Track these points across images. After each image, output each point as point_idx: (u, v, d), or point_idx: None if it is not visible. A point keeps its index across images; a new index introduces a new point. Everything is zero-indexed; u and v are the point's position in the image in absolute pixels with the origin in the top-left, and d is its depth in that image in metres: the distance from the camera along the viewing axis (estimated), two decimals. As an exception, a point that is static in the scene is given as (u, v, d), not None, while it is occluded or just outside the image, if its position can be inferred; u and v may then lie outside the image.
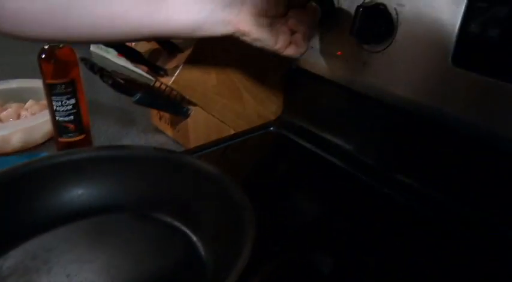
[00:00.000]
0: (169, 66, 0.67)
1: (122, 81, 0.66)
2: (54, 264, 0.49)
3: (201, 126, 0.72)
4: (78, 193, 0.57)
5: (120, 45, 0.66)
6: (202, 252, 0.49)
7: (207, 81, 0.69)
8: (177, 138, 0.75)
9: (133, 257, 0.50)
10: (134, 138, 0.78)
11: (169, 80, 0.66)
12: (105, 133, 0.80)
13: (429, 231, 0.55)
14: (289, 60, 0.74)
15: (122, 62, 1.07)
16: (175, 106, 0.70)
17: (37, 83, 0.87)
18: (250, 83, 0.74)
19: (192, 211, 0.53)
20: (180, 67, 0.66)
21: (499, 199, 0.53)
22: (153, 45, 0.70)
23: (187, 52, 0.66)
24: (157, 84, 0.77)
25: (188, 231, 0.52)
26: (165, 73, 0.67)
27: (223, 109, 0.73)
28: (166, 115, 0.76)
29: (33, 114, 0.79)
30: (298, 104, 0.76)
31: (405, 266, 0.50)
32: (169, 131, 0.77)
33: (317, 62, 0.68)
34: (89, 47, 1.19)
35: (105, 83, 0.65)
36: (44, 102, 0.84)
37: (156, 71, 0.67)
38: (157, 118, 0.79)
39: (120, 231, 0.54)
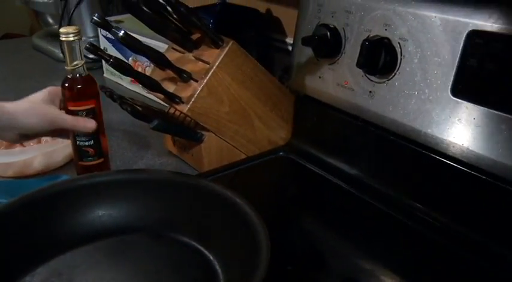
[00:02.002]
0: (185, 94, 0.71)
1: (140, 108, 0.70)
2: (77, 281, 0.53)
3: (214, 151, 0.75)
4: (99, 214, 0.60)
5: (138, 73, 0.70)
6: (219, 271, 0.52)
7: (220, 108, 0.73)
8: (191, 162, 0.79)
9: (152, 276, 0.53)
10: (149, 162, 0.82)
11: (184, 108, 0.70)
12: (122, 157, 0.84)
13: (432, 251, 0.58)
14: (297, 90, 0.78)
15: (136, 88, 1.11)
16: (190, 132, 0.73)
17: (56, 109, 0.91)
18: (261, 110, 0.78)
19: (208, 232, 0.56)
20: (195, 96, 0.70)
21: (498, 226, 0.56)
22: (168, 74, 0.74)
23: (201, 81, 0.70)
24: (172, 110, 0.81)
25: (205, 251, 0.55)
26: (180, 101, 0.71)
27: (235, 135, 0.76)
28: (180, 140, 0.79)
29: (53, 139, 0.83)
30: (307, 130, 0.80)
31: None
32: (183, 156, 0.81)
33: (325, 91, 0.72)
34: (103, 73, 1.24)
35: (125, 110, 0.69)
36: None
37: (172, 98, 0.71)
38: (171, 143, 0.82)
39: (139, 250, 0.57)
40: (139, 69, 1.07)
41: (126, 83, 1.14)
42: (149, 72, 1.03)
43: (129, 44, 0.67)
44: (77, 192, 0.60)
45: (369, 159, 0.70)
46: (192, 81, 0.72)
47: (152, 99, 1.04)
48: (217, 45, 0.72)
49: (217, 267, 0.53)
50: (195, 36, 0.75)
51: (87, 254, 0.56)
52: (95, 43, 0.73)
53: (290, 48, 0.98)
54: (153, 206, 0.60)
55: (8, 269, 0.52)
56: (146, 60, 1.01)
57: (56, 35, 1.36)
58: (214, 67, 0.70)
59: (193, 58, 0.75)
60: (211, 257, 0.54)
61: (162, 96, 0.73)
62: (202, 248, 0.55)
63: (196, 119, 0.71)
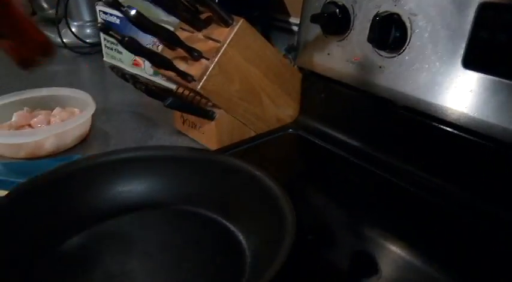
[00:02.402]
0: (196, 72, 0.72)
1: (153, 87, 0.71)
2: (105, 255, 0.54)
3: (225, 129, 0.77)
4: (119, 190, 0.61)
5: (151, 52, 0.70)
6: (243, 243, 0.54)
7: (230, 86, 0.74)
8: (201, 140, 0.80)
9: (178, 249, 0.55)
10: (159, 141, 0.83)
11: (196, 85, 0.71)
12: (132, 137, 0.84)
13: (442, 219, 0.61)
14: (304, 67, 0.80)
15: (137, 70, 1.11)
16: (202, 110, 0.74)
17: (62, 92, 0.92)
18: (270, 88, 0.79)
19: (230, 205, 0.57)
20: (207, 74, 0.71)
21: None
22: (178, 53, 0.75)
23: (212, 59, 0.71)
24: (180, 90, 0.82)
25: (228, 224, 0.56)
26: (192, 79, 0.72)
27: (245, 112, 0.78)
28: (191, 119, 0.80)
29: (62, 120, 0.83)
30: (314, 107, 0.81)
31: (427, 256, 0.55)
32: (192, 134, 0.82)
33: (333, 68, 0.74)
34: (103, 57, 1.24)
35: (139, 89, 0.70)
36: (71, 109, 0.88)
37: (184, 77, 0.72)
38: (181, 122, 0.83)
39: (162, 225, 0.59)
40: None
41: (128, 66, 1.14)
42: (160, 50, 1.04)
43: (142, 23, 0.67)
44: (96, 170, 0.61)
45: (378, 133, 0.72)
46: (203, 59, 0.73)
47: (154, 82, 1.05)
48: (227, 23, 0.73)
49: (241, 238, 0.54)
50: (204, 15, 0.76)
51: (111, 228, 0.58)
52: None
53: (293, 27, 0.99)
54: (174, 182, 0.61)
55: (35, 247, 0.53)
56: (149, 42, 1.01)
57: (51, 21, 1.35)
58: (225, 45, 0.71)
59: (202, 37, 0.75)
60: (235, 230, 0.55)
61: (172, 74, 0.74)
62: (226, 222, 0.57)
63: (208, 97, 0.73)
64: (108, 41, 1.18)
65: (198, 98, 0.78)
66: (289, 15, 1.00)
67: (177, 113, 0.84)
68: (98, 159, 0.62)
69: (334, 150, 0.76)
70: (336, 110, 0.78)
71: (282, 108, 0.82)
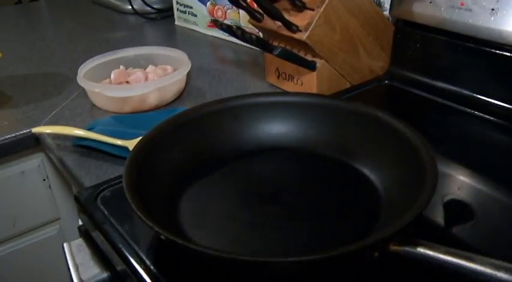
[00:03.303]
0: (301, 23, 0.74)
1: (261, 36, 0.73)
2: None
3: (325, 79, 0.79)
4: (259, 131, 0.63)
5: (259, 1, 0.72)
6: (381, 191, 0.54)
7: (333, 37, 0.76)
8: (299, 91, 0.82)
9: (315, 190, 0.57)
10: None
11: (302, 35, 0.73)
12: (226, 91, 0.87)
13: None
14: (401, 17, 0.81)
15: (213, 32, 1.13)
16: (306, 60, 0.76)
17: (150, 50, 0.94)
18: (366, 39, 0.80)
19: (367, 152, 0.58)
20: (313, 23, 0.72)
21: None
22: (280, 4, 0.76)
23: (318, 9, 0.73)
24: (275, 43, 0.84)
25: (361, 167, 0.58)
26: (297, 29, 0.73)
27: (343, 63, 0.79)
28: (287, 71, 0.82)
29: (159, 76, 0.86)
30: (408, 57, 0.82)
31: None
32: (288, 86, 0.84)
33: (436, 15, 0.75)
34: (174, 21, 1.26)
35: (247, 40, 0.72)
36: (164, 66, 0.91)
37: (289, 27, 0.73)
38: (275, 75, 0.85)
39: (294, 167, 0.61)
40: (220, 13, 1.09)
41: (202, 28, 1.16)
42: (230, 15, 1.06)
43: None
44: (217, 115, 0.63)
45: (480, 78, 0.73)
46: (306, 10, 0.74)
47: (233, 42, 1.07)
48: (331, -27, 0.74)
49: (376, 182, 0.55)
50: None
51: (248, 166, 0.60)
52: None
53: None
54: (309, 127, 0.62)
55: (182, 180, 0.56)
56: (227, 2, 1.03)
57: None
58: (330, -5, 0.73)
59: (304, -12, 0.77)
60: (368, 174, 0.57)
61: (275, 26, 0.75)
62: (362, 168, 0.58)
63: (313, 47, 0.74)
64: (181, 5, 1.20)
65: (295, 50, 0.79)
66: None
67: (271, 67, 0.86)
68: (241, 101, 0.64)
69: (431, 98, 0.77)
70: (432, 59, 0.79)
71: (375, 60, 0.84)
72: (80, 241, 0.58)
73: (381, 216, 0.51)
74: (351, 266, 0.44)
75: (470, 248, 0.50)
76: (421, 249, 0.40)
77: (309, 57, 0.78)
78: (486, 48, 0.70)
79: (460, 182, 0.60)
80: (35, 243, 0.89)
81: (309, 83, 0.79)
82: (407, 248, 0.41)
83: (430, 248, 0.40)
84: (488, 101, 0.71)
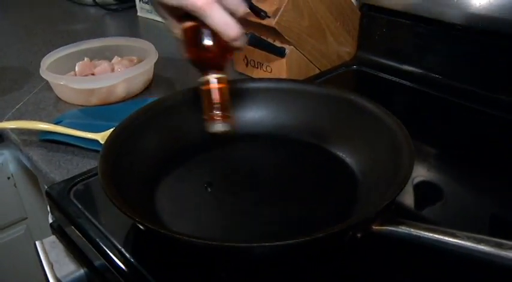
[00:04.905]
0: (270, 8, 0.73)
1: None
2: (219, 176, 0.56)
3: (295, 65, 0.79)
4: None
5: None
6: (354, 168, 0.55)
7: (301, 23, 0.76)
8: (269, 78, 0.82)
9: (289, 175, 0.57)
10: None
11: (271, 21, 0.73)
12: (195, 81, 0.85)
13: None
14: (368, 2, 0.81)
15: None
16: (275, 46, 0.76)
17: (116, 41, 0.92)
18: (333, 25, 0.81)
19: (336, 133, 0.59)
20: (282, 9, 0.72)
21: None
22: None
23: (285, -4, 0.73)
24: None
25: (336, 151, 0.58)
26: (266, 15, 0.73)
27: (312, 49, 0.80)
28: (256, 59, 0.82)
29: (126, 68, 0.84)
30: (374, 42, 0.83)
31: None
32: (257, 74, 0.84)
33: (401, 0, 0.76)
34: (137, 13, 1.24)
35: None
36: (129, 57, 0.89)
37: (257, 13, 0.73)
38: (244, 63, 0.85)
39: (276, 152, 0.61)
40: (183, 2, 1.07)
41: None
42: None
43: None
44: (190, 104, 0.62)
45: (446, 61, 0.74)
46: (272, -4, 0.74)
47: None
48: (297, -42, 0.74)
49: (355, 168, 0.55)
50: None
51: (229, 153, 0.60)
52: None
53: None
54: (275, 112, 0.62)
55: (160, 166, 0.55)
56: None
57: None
58: (297, -20, 0.73)
59: (270, -26, 0.76)
60: (347, 160, 0.57)
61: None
62: (337, 152, 0.58)
63: (282, 33, 0.74)
64: (143, -4, 1.18)
65: (263, 37, 0.79)
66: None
67: (239, 55, 0.85)
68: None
69: (399, 82, 0.78)
70: (399, 43, 0.80)
71: (342, 45, 0.84)
72: (52, 238, 0.56)
73: (359, 198, 0.52)
74: (333, 248, 0.44)
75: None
76: (403, 228, 0.41)
77: (277, 44, 0.78)
78: (451, 31, 0.72)
79: (430, 164, 0.61)
80: (1, 244, 0.86)
81: (278, 69, 0.79)
82: (390, 227, 0.41)
83: (412, 226, 0.40)
84: (454, 84, 0.73)
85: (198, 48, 0.51)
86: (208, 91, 0.51)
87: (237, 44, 0.50)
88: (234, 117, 0.53)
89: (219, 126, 0.51)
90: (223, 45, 0.50)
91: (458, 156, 0.62)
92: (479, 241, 0.37)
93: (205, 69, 0.52)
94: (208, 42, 0.50)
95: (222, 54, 0.51)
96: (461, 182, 0.59)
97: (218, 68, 0.52)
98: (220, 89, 0.51)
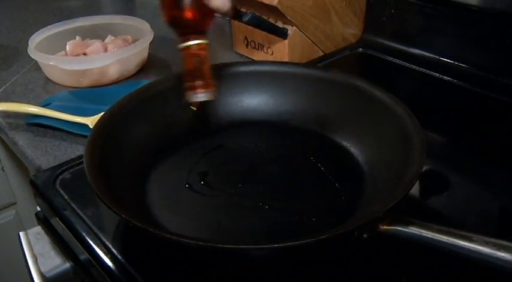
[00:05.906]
0: (272, -13, 0.69)
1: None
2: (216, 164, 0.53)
3: (297, 47, 0.75)
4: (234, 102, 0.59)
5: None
6: (359, 159, 0.52)
7: (304, 2, 0.72)
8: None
9: (290, 166, 0.53)
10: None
11: (273, 1, 0.68)
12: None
13: None
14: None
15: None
16: (276, 27, 0.72)
17: (109, 19, 0.88)
18: (339, 5, 0.76)
19: (340, 121, 0.55)
20: (284, -13, 0.68)
21: None
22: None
23: (288, -27, 0.68)
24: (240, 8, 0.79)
25: (341, 140, 0.55)
26: (268, -6, 0.69)
27: (316, 30, 0.75)
28: (257, 40, 0.78)
29: (119, 47, 0.80)
30: (381, 24, 0.79)
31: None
32: (257, 56, 0.80)
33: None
34: None
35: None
36: (124, 36, 0.85)
37: (259, -8, 0.69)
38: (244, 45, 0.81)
39: (275, 139, 0.57)
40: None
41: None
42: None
43: None
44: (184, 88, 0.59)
45: (456, 45, 0.70)
46: (276, -26, 0.70)
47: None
48: None
49: (360, 160, 0.52)
50: None
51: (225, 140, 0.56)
52: None
53: None
54: (275, 98, 0.58)
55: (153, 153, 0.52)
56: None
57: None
58: (301, -43, 0.68)
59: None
60: (352, 150, 0.53)
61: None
62: (342, 141, 0.55)
63: (284, 12, 0.70)
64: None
65: (264, 17, 0.75)
66: None
67: (239, 35, 0.81)
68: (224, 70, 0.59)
69: (407, 66, 0.74)
70: (408, 25, 0.76)
71: (347, 27, 0.80)
72: (38, 229, 0.53)
73: (365, 192, 0.48)
74: (337, 249, 0.41)
75: (446, 218, 0.48)
76: (413, 228, 0.37)
77: (279, 25, 0.74)
78: (464, 12, 0.68)
79: (437, 152, 0.57)
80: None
81: (280, 51, 0.75)
82: (398, 228, 0.38)
83: (423, 227, 0.37)
84: (466, 69, 0.69)
85: (177, 9, 0.48)
86: (188, 57, 0.48)
87: (217, 2, 0.47)
88: (216, 86, 0.50)
89: (199, 96, 0.49)
90: (203, 7, 0.48)
91: (467, 145, 0.59)
92: (498, 247, 0.34)
93: (185, 34, 0.49)
94: (187, 1, 0.47)
95: (202, 16, 0.49)
96: (470, 171, 0.55)
97: (198, 33, 0.49)
98: (200, 55, 0.49)
